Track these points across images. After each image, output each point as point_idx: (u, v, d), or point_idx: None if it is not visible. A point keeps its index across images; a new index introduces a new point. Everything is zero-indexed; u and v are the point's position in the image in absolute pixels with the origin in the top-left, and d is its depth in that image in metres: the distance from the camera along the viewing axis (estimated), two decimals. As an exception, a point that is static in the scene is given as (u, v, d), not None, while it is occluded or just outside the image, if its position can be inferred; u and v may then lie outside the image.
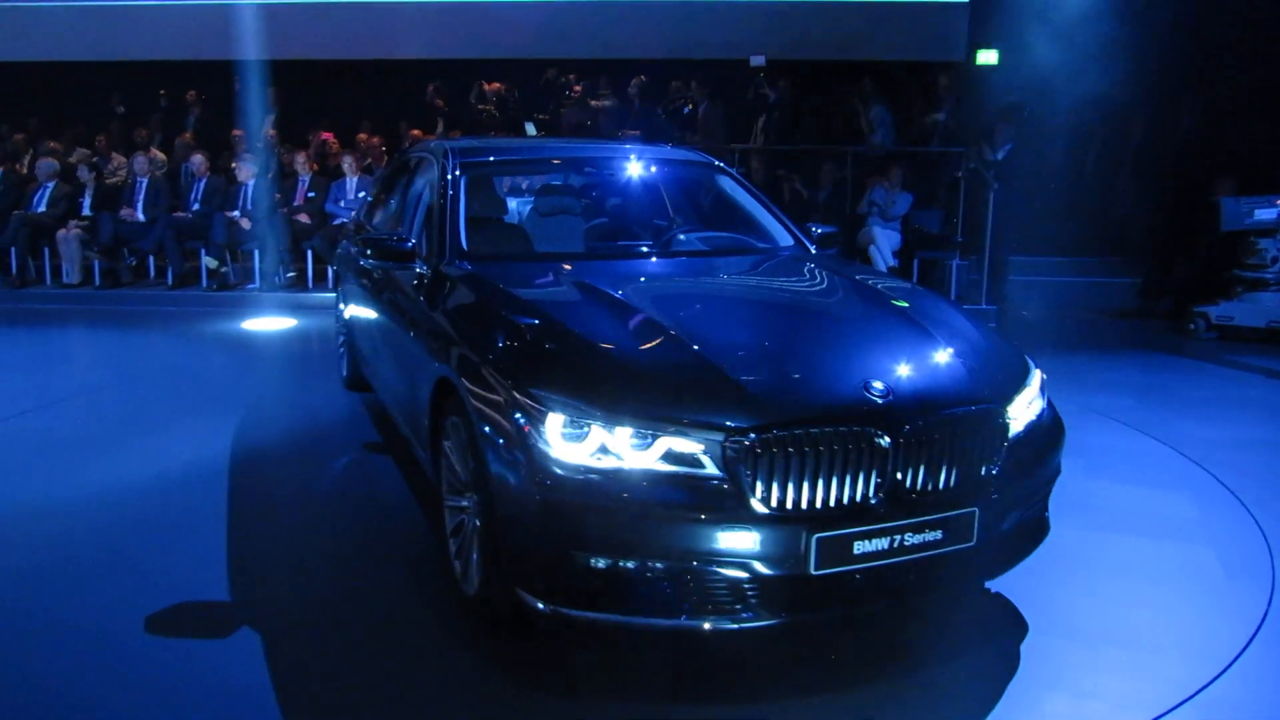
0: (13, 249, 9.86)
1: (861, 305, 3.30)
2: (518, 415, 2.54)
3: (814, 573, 2.39)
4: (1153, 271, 8.81)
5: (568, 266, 3.62)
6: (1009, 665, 2.74)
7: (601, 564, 2.43)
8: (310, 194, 9.89)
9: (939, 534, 2.51)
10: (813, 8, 11.51)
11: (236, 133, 10.91)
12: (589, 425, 2.45)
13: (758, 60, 10.74)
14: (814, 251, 4.08)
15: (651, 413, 2.45)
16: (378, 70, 12.28)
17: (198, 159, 10.14)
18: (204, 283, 9.71)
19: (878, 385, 2.56)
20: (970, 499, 2.56)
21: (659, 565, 2.41)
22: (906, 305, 3.20)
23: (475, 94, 11.75)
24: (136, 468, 4.40)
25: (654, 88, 11.22)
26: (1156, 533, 3.71)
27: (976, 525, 2.56)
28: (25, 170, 10.64)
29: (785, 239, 4.16)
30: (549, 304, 3.19)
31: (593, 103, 11.28)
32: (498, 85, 11.67)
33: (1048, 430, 2.91)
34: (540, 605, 2.50)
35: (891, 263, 8.99)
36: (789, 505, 2.39)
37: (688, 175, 4.74)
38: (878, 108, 10.05)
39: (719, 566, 2.39)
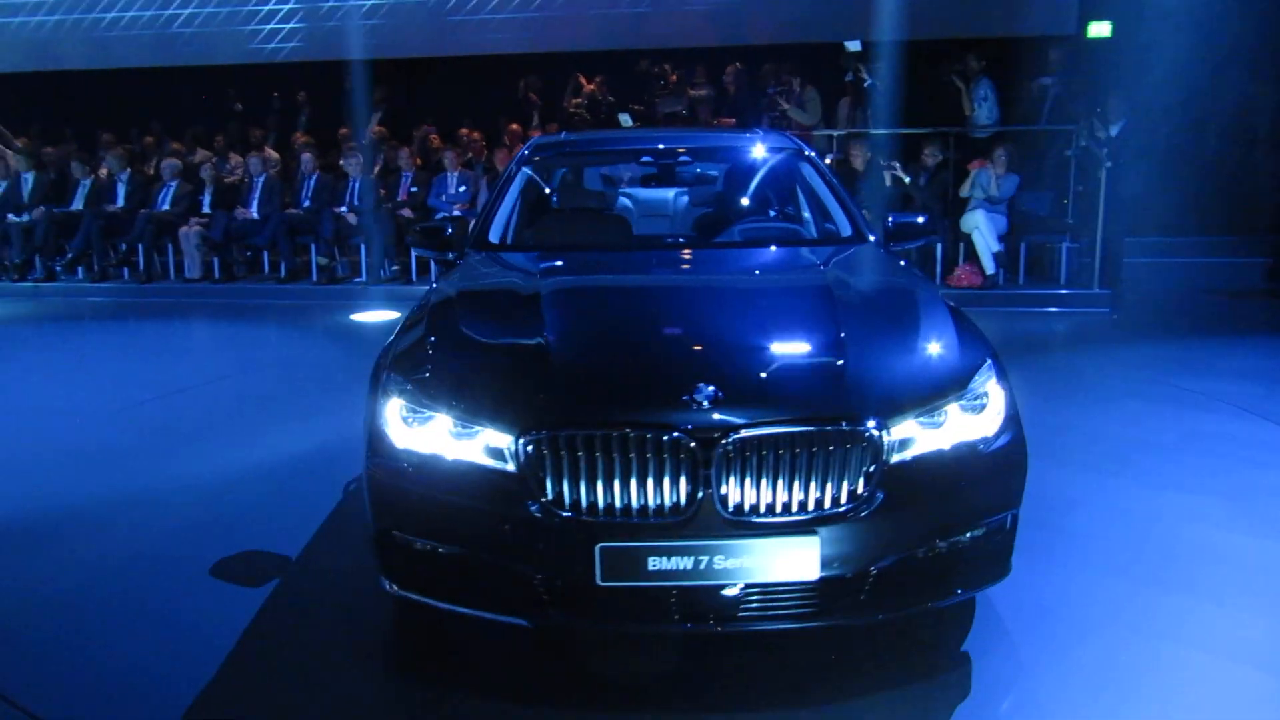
0: (139, 246, 10.44)
1: (795, 303, 3.03)
2: (376, 396, 2.64)
3: (600, 583, 2.27)
4: (1284, 250, 8.29)
5: (559, 261, 3.59)
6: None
7: (420, 546, 2.46)
8: (413, 189, 10.16)
9: (761, 561, 2.26)
10: (911, -14, 11.20)
11: (344, 131, 11.29)
12: (425, 413, 2.49)
13: (853, 45, 10.51)
14: (871, 241, 3.78)
15: (468, 406, 2.44)
16: (479, 66, 12.51)
17: (307, 157, 10.54)
18: (314, 276, 10.09)
19: (709, 389, 2.31)
20: (809, 526, 2.27)
21: (468, 555, 2.41)
22: (855, 304, 2.90)
23: (571, 88, 11.84)
24: (252, 453, 4.60)
25: (750, 75, 11.11)
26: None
27: (818, 557, 2.26)
28: (152, 171, 11.23)
29: (846, 229, 3.90)
30: (472, 296, 3.18)
31: (691, 92, 11.23)
32: (592, 87, 11.73)
33: (980, 456, 2.45)
34: (386, 584, 2.56)
35: (997, 248, 8.70)
36: (581, 509, 2.29)
37: (764, 161, 4.60)
38: (982, 84, 9.72)
39: (516, 562, 2.36)
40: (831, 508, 2.29)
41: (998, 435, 2.52)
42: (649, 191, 5.43)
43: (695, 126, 10.36)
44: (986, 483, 2.48)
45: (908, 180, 9.28)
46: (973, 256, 8.84)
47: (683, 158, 4.75)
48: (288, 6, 12.77)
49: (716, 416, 2.29)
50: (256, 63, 12.90)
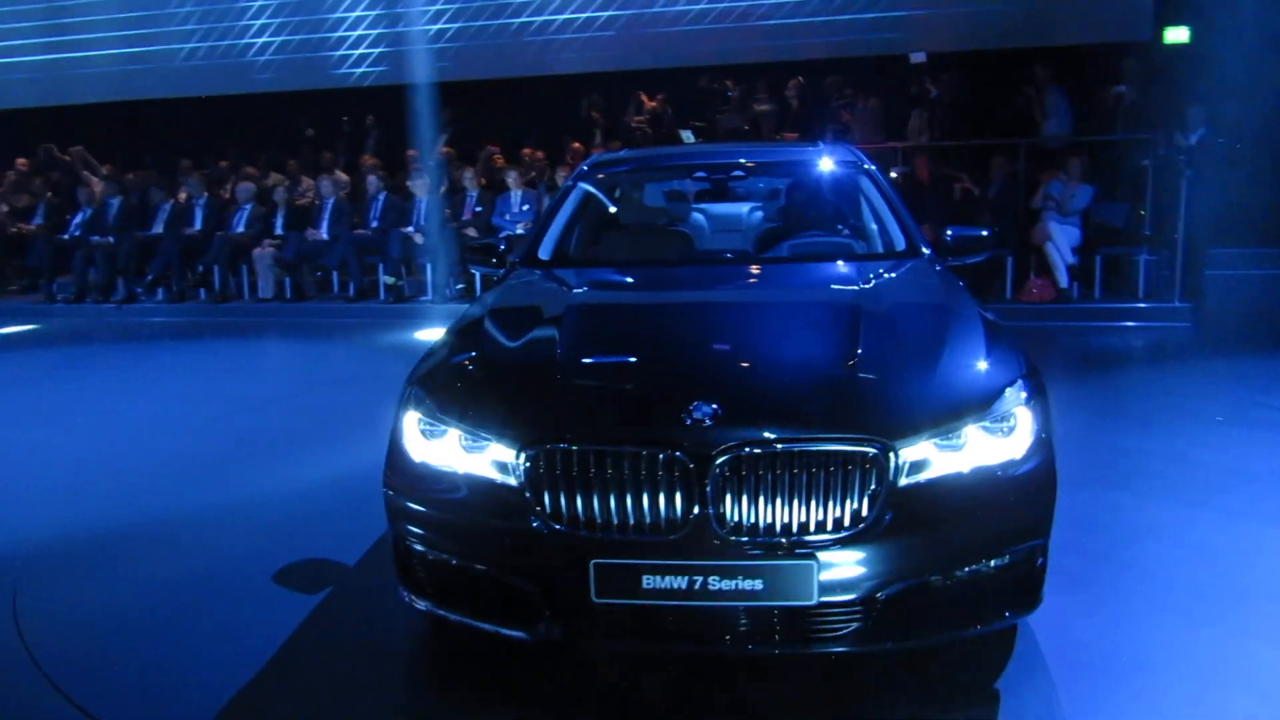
0: (215, 267, 10.75)
1: (817, 320, 2.93)
2: (398, 409, 2.68)
3: (595, 600, 2.25)
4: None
5: (597, 277, 3.68)
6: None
7: (432, 558, 2.51)
8: (477, 208, 10.29)
9: (757, 584, 2.20)
10: (978, -5, 11.01)
11: (411, 153, 11.49)
12: (439, 426, 2.53)
13: (918, 56, 10.38)
14: (925, 256, 3.61)
15: (477, 419, 2.47)
16: (541, 85, 12.66)
17: (374, 179, 10.75)
18: (381, 295, 10.27)
19: (708, 407, 2.27)
20: (807, 549, 2.20)
21: (474, 567, 2.44)
22: (881, 321, 2.78)
23: (633, 105, 11.90)
24: (318, 466, 4.67)
25: (813, 89, 11.03)
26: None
27: (815, 581, 2.19)
28: (227, 195, 11.58)
29: (900, 243, 3.74)
30: (501, 312, 3.17)
31: (754, 107, 11.20)
32: (654, 104, 11.77)
33: (1002, 481, 2.33)
34: (404, 595, 2.61)
35: (1071, 260, 8.44)
36: (578, 524, 2.29)
37: (825, 175, 4.48)
38: (1054, 93, 9.48)
39: (517, 576, 2.38)
40: (833, 530, 2.23)
41: (1024, 460, 2.38)
42: (722, 207, 5.40)
43: (757, 141, 10.31)
44: (1010, 509, 2.36)
45: (976, 192, 9.08)
46: (1045, 270, 8.60)
47: (736, 172, 4.73)
48: (356, 33, 13.11)
49: (713, 434, 2.25)
50: (327, 88, 13.27)
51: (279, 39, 13.57)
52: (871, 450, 2.24)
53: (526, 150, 11.21)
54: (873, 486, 2.24)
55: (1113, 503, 3.79)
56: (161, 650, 2.93)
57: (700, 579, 2.21)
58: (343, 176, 11.60)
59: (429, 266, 10.06)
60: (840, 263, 3.68)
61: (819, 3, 11.37)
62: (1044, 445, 2.45)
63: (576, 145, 10.89)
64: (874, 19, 11.16)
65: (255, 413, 6.00)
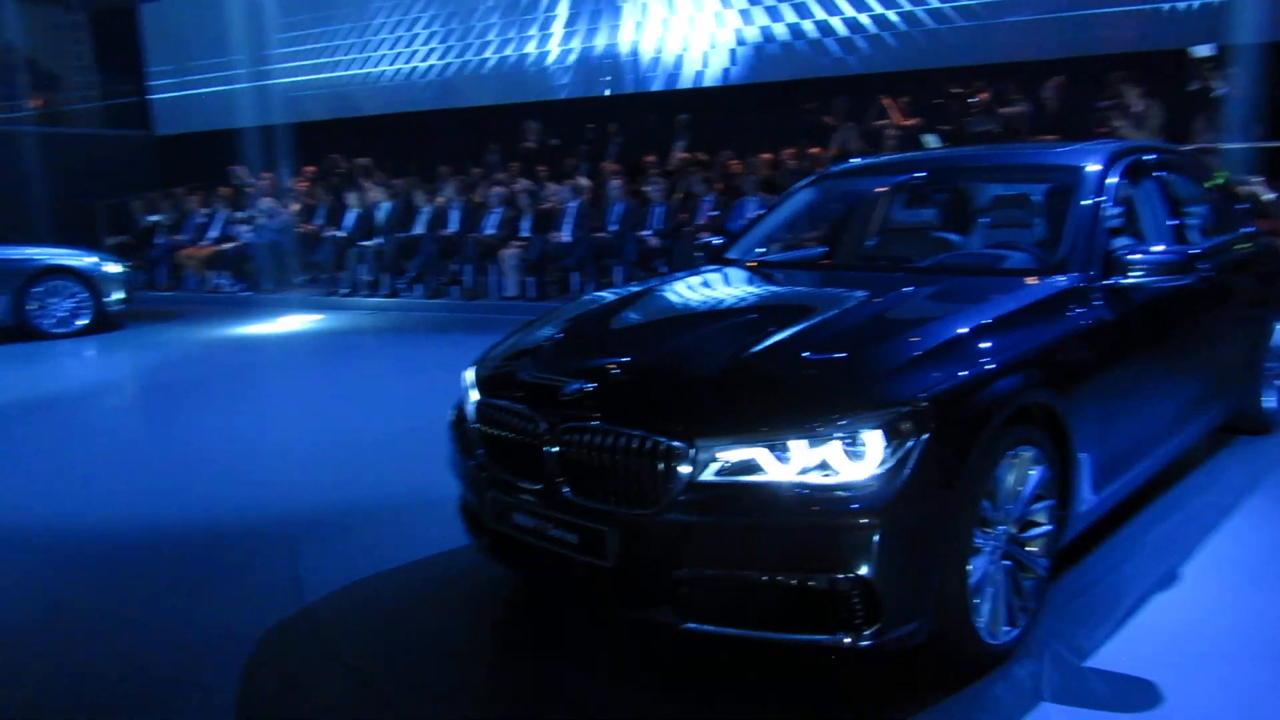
0: (466, 266, 11.48)
1: (773, 328, 2.90)
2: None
3: (488, 524, 2.92)
4: None
5: (718, 274, 3.96)
6: None
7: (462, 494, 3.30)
8: (713, 213, 10.37)
9: (575, 538, 2.61)
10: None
11: (649, 158, 11.78)
12: (469, 379, 3.25)
13: (1203, 50, 9.40)
14: (1071, 276, 3.26)
15: (486, 374, 3.19)
16: (778, 90, 12.61)
17: (615, 185, 11.10)
18: (617, 296, 10.56)
19: (580, 385, 2.69)
20: (608, 519, 2.54)
21: (466, 495, 3.18)
22: (828, 333, 2.88)
23: (875, 110, 11.57)
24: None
25: (1074, 88, 10.27)
26: None
27: (611, 548, 2.53)
28: (480, 199, 12.35)
29: (1057, 257, 3.39)
30: (610, 299, 3.67)
31: (1003, 110, 10.58)
32: (895, 107, 11.38)
33: (814, 501, 2.38)
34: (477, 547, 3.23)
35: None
36: (487, 461, 2.94)
37: (1052, 181, 4.01)
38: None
39: (470, 495, 3.11)
40: (632, 506, 2.51)
41: (847, 488, 2.37)
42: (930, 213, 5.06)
43: (1005, 143, 9.73)
44: (815, 531, 2.39)
45: (1267, 198, 8.11)
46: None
47: (964, 179, 4.52)
48: (613, 45, 13.60)
49: (567, 410, 2.67)
50: (568, 98, 13.90)
51: (558, 49, 14.36)
52: (671, 443, 2.48)
53: (763, 155, 11.19)
54: (674, 476, 2.46)
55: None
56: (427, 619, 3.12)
57: (545, 525, 2.70)
58: (585, 182, 12.06)
59: (665, 270, 10.24)
60: (955, 278, 3.53)
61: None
62: (887, 480, 2.37)
63: (814, 150, 10.74)
64: (1153, 12, 10.26)
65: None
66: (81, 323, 10.28)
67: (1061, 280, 3.27)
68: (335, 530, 4.03)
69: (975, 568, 2.60)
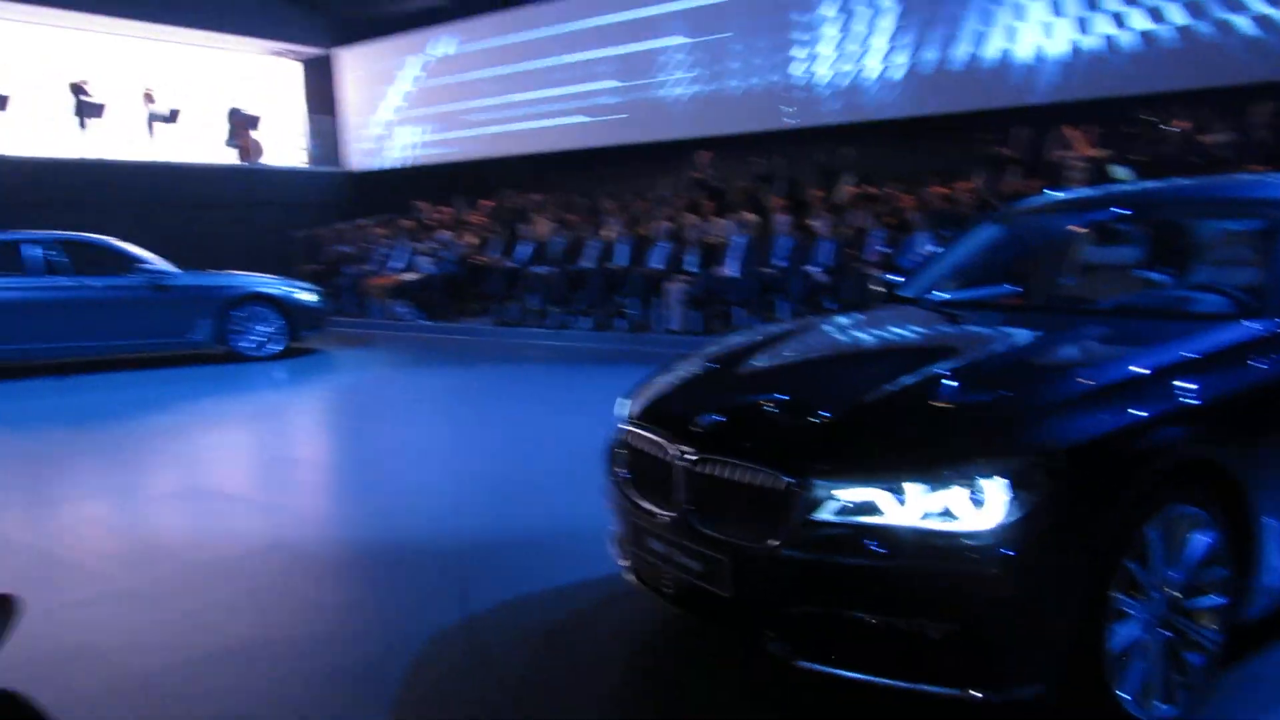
0: (633, 299, 11.68)
1: (914, 368, 2.85)
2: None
3: (627, 548, 3.08)
4: None
5: (921, 312, 3.85)
6: None
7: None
8: (882, 248, 10.14)
9: (699, 565, 2.67)
10: None
11: (817, 192, 11.66)
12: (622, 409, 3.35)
13: None
14: (1253, 322, 2.96)
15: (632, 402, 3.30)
16: (949, 123, 12.26)
17: (781, 219, 11.03)
18: (781, 332, 10.46)
19: (713, 419, 2.79)
20: (728, 549, 2.59)
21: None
22: (965, 376, 2.78)
23: (1058, 141, 11.04)
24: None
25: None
26: None
27: (728, 578, 2.58)
28: (645, 233, 12.56)
29: (1249, 301, 3.10)
30: (773, 332, 3.66)
31: (1204, 138, 9.89)
32: (1081, 138, 10.81)
33: (931, 549, 2.30)
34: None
35: None
36: (628, 487, 3.05)
37: (1255, 219, 3.65)
38: None
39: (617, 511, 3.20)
40: (749, 539, 2.54)
41: (970, 537, 2.27)
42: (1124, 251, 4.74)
43: (1208, 175, 9.05)
44: (932, 578, 2.31)
45: None
46: None
47: (1166, 214, 4.15)
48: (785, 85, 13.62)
49: (698, 442, 2.74)
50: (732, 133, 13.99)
51: (744, 83, 14.54)
52: (788, 481, 2.48)
53: (934, 189, 10.86)
54: (790, 514, 2.46)
55: None
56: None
57: (673, 551, 2.77)
58: (751, 217, 12.06)
59: (829, 306, 10.08)
60: (1124, 321, 3.35)
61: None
62: (1004, 535, 2.25)
63: (966, 185, 10.36)
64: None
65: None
66: (276, 348, 11.07)
67: (1255, 327, 2.95)
68: (508, 551, 4.23)
69: (1121, 634, 2.40)
